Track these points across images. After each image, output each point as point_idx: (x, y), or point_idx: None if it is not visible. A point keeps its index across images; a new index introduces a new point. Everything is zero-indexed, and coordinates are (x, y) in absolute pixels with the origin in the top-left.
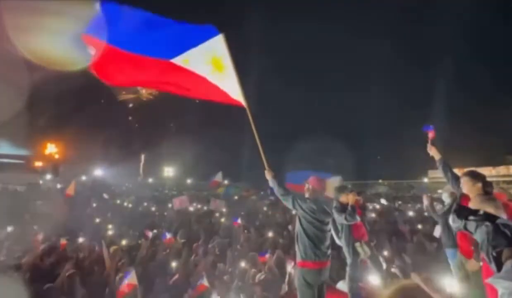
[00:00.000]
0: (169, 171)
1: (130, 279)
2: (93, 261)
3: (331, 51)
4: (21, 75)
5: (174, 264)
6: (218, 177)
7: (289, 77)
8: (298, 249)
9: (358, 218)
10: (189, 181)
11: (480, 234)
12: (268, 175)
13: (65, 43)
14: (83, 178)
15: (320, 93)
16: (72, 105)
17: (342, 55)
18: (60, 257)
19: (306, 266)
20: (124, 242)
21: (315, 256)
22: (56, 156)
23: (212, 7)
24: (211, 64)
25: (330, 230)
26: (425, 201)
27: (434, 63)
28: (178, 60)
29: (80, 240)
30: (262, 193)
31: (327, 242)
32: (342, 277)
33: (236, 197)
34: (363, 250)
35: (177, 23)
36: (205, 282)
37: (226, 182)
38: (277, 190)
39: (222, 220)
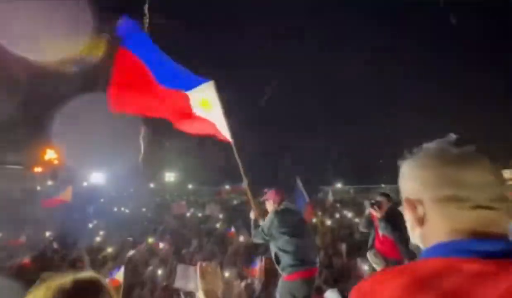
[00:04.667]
0: (170, 176)
1: (117, 275)
2: (76, 268)
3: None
4: (20, 78)
5: (160, 271)
6: (244, 184)
7: (292, 81)
8: (282, 264)
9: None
10: (190, 186)
11: None
12: (253, 215)
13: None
14: (85, 184)
15: (317, 93)
16: (73, 109)
17: (344, 57)
18: (46, 263)
19: (296, 277)
20: (110, 250)
21: (304, 263)
22: (56, 162)
23: None
24: (200, 105)
25: (311, 235)
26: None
27: (439, 68)
28: (191, 94)
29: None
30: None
31: (313, 248)
32: (331, 286)
33: (235, 202)
34: (375, 260)
35: (177, 64)
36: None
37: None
38: (255, 235)
39: (218, 226)
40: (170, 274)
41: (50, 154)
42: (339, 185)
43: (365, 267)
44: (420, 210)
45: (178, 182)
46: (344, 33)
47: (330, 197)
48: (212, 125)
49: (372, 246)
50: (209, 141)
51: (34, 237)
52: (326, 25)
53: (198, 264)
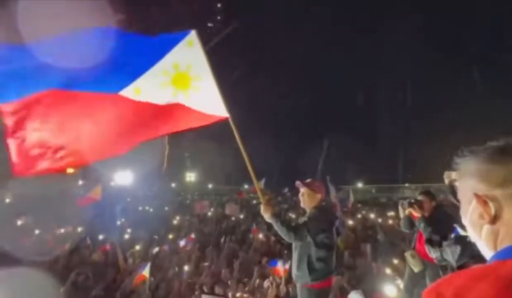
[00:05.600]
0: (191, 176)
1: (144, 271)
2: (108, 263)
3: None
4: None
5: (186, 268)
6: (261, 183)
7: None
8: (316, 271)
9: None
10: (210, 185)
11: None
12: (266, 213)
13: None
14: (112, 183)
15: (340, 88)
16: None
17: (363, 50)
18: (79, 258)
19: (326, 285)
20: (138, 247)
21: (330, 272)
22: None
23: None
24: (171, 85)
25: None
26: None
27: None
28: (128, 91)
29: (101, 242)
30: (280, 198)
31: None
32: (354, 287)
33: (254, 202)
34: (412, 262)
35: (126, 40)
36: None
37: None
38: (284, 233)
39: (239, 224)
40: (194, 271)
41: None
42: (359, 185)
43: (387, 270)
44: (492, 206)
45: (198, 182)
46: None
47: (351, 197)
48: (198, 113)
49: (414, 247)
50: (228, 140)
51: (69, 233)
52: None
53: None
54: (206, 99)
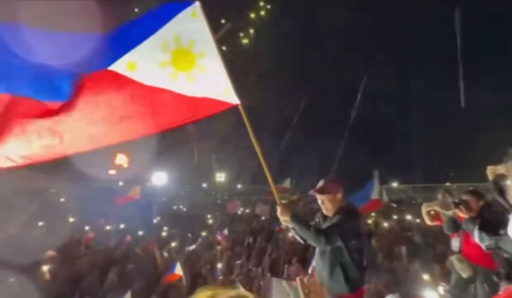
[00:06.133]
0: (221, 177)
1: (177, 270)
2: (148, 258)
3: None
4: None
5: (219, 265)
6: (287, 183)
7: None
8: (345, 279)
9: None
10: (239, 186)
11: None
12: (283, 215)
13: None
14: (148, 184)
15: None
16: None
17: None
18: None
19: (361, 296)
20: (173, 244)
21: (364, 280)
22: (125, 165)
23: None
24: (171, 65)
25: None
26: None
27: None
28: (119, 66)
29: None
30: (308, 198)
31: None
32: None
33: (284, 201)
34: (460, 267)
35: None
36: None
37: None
38: (312, 237)
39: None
40: (227, 269)
41: (120, 159)
42: (394, 184)
43: (424, 276)
44: None
45: (228, 182)
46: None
47: (385, 197)
48: (204, 99)
49: (460, 251)
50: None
51: (111, 229)
52: None
53: (298, 279)
54: (212, 82)
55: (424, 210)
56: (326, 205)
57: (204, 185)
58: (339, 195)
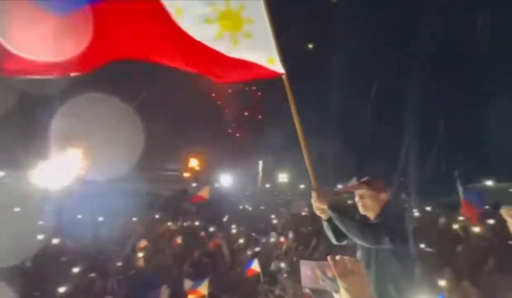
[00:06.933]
0: (283, 177)
1: (254, 265)
2: (219, 253)
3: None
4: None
5: (282, 264)
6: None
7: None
8: (397, 293)
9: None
10: (302, 186)
11: None
12: (319, 202)
13: None
14: (217, 185)
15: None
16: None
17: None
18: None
19: None
20: (241, 241)
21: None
22: (197, 168)
23: None
24: (218, 23)
25: None
26: None
27: None
28: (170, 4)
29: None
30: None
31: None
32: None
33: (349, 202)
34: None
35: None
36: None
37: None
38: (355, 230)
39: None
40: (291, 267)
41: (193, 162)
42: (489, 183)
43: None
44: None
45: (291, 182)
46: None
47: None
48: (247, 62)
49: None
50: (317, 140)
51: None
52: None
53: (329, 258)
54: (257, 48)
55: (505, 214)
56: (365, 200)
57: (268, 185)
58: (383, 195)
